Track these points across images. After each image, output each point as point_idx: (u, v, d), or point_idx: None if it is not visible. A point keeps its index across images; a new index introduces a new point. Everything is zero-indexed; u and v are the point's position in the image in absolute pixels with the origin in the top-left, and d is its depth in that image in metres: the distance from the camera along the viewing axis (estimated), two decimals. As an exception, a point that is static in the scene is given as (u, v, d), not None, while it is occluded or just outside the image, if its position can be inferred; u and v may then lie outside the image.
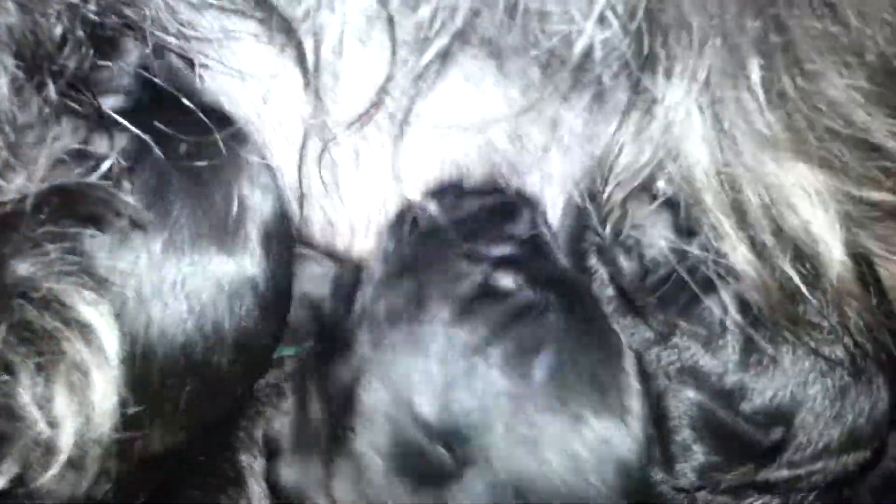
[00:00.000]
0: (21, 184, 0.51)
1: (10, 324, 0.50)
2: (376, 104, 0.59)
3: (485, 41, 0.59)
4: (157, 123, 0.54)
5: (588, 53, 0.57)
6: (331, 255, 0.67)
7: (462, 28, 0.55)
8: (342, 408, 0.58)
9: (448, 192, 0.64)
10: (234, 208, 0.56)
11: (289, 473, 0.61)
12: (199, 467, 0.63)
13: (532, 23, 0.57)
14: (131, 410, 0.53)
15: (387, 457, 0.56)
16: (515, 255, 0.62)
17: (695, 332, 0.61)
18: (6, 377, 0.50)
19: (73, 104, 0.54)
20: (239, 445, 0.63)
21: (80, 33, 0.52)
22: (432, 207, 0.63)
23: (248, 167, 0.57)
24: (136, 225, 0.54)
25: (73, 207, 0.53)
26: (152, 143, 0.54)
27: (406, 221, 0.64)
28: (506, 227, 0.63)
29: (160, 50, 0.57)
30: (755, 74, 0.56)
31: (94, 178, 0.53)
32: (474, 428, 0.56)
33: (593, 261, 0.65)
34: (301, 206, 0.62)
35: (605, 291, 0.64)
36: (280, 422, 0.62)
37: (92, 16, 0.52)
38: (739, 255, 0.59)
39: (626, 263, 0.63)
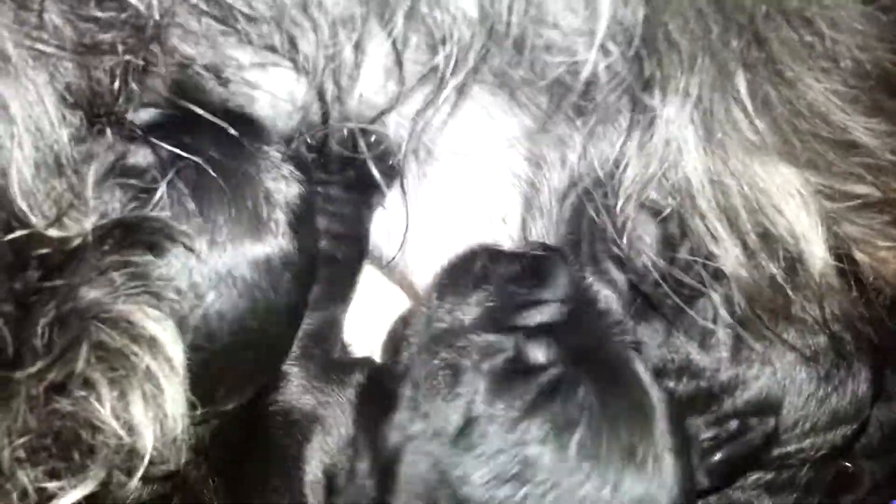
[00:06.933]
0: (87, 221, 0.57)
1: (90, 345, 0.56)
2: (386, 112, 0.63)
3: (496, 75, 0.64)
4: (185, 138, 0.61)
5: (592, 80, 0.61)
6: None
7: (475, 66, 0.60)
8: (384, 477, 0.59)
9: (480, 255, 0.65)
10: (262, 201, 0.62)
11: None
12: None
13: (538, 56, 0.61)
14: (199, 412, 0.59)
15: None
16: (550, 322, 0.62)
17: (690, 332, 0.66)
18: (85, 393, 0.55)
19: (109, 125, 0.59)
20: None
21: (134, 86, 0.58)
22: (466, 273, 0.65)
23: (271, 161, 0.64)
24: (189, 249, 0.60)
25: (134, 238, 0.58)
26: (186, 154, 0.60)
27: (448, 283, 0.65)
28: (541, 291, 0.63)
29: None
30: (742, 86, 0.61)
31: (148, 210, 0.59)
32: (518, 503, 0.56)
33: (600, 267, 0.68)
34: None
35: (613, 300, 0.68)
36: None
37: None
38: (731, 258, 0.63)
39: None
